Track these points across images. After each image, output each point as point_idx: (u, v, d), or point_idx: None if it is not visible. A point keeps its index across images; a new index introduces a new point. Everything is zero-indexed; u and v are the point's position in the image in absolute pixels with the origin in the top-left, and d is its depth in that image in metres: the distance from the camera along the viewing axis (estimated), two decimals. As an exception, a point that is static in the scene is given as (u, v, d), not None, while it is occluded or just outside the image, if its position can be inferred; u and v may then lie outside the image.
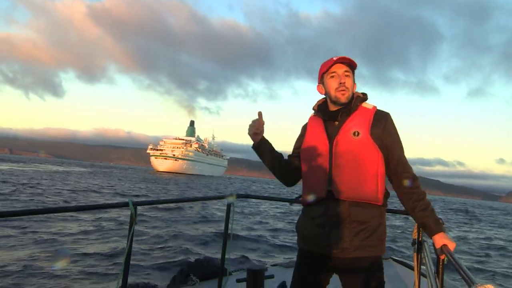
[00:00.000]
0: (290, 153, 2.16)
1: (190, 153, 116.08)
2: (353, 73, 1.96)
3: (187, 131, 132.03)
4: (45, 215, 12.03)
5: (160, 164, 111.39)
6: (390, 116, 1.91)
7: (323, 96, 2.05)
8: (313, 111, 2.08)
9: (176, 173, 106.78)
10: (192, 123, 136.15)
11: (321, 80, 1.99)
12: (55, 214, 11.59)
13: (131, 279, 4.40)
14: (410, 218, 2.01)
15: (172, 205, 17.52)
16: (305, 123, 2.13)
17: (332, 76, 1.91)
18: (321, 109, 2.01)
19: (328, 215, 1.84)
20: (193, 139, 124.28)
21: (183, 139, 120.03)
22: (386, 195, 1.89)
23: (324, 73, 1.95)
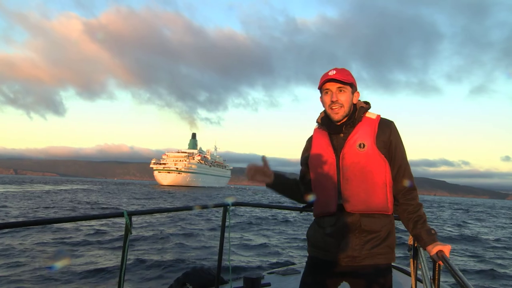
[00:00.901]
0: (302, 172, 2.12)
1: (193, 166, 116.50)
2: (352, 85, 1.93)
3: (189, 144, 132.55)
4: (38, 226, 11.93)
5: (164, 178, 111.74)
6: (394, 125, 1.92)
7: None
8: (316, 124, 2.07)
9: (179, 186, 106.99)
10: (194, 135, 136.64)
11: (320, 93, 2.00)
12: (49, 225, 11.78)
13: None
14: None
15: (166, 214, 17.62)
16: (310, 135, 2.12)
17: (326, 93, 1.93)
18: (324, 122, 2.00)
19: (338, 225, 1.87)
20: (195, 151, 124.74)
21: (186, 152, 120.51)
22: (395, 203, 1.92)
23: (320, 89, 1.96)
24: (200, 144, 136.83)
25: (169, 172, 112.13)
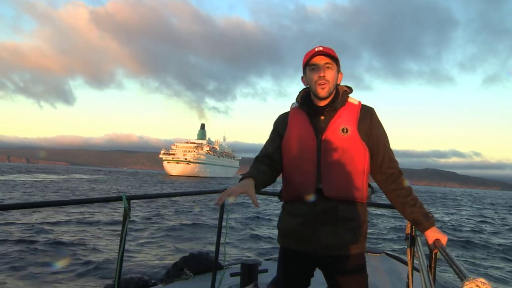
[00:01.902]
0: (266, 147, 1.96)
1: (202, 156, 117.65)
2: (338, 64, 1.85)
3: (198, 134, 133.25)
4: (37, 209, 12.36)
5: (173, 168, 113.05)
6: (375, 112, 1.89)
7: (305, 87, 1.96)
8: (295, 103, 1.96)
9: (188, 176, 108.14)
10: (202, 126, 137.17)
11: (304, 72, 1.91)
12: (48, 208, 11.82)
13: (125, 274, 4.73)
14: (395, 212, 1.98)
15: (166, 199, 17.67)
16: (283, 113, 2.01)
17: (313, 69, 1.83)
18: (305, 102, 1.91)
19: (314, 213, 1.79)
20: (204, 142, 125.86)
21: (195, 143, 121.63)
22: (369, 191, 1.89)
23: (305, 65, 1.86)
24: (209, 134, 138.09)
25: (178, 163, 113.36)
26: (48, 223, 11.61)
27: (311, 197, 1.81)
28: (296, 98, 1.96)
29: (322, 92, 1.82)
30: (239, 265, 3.44)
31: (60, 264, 7.28)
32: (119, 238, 2.52)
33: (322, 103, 1.86)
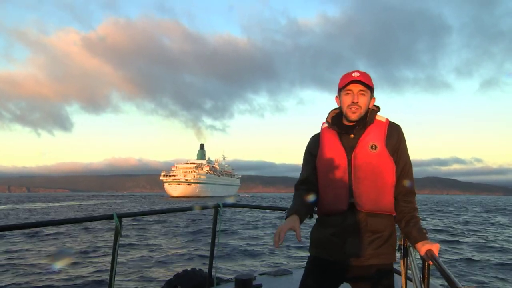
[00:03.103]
0: (304, 171, 2.10)
1: (202, 176, 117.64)
2: (371, 90, 1.98)
3: (197, 155, 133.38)
4: (28, 229, 12.07)
5: (174, 190, 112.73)
6: (401, 129, 1.99)
7: (336, 107, 2.10)
8: (326, 124, 2.08)
9: (189, 197, 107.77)
10: (202, 146, 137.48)
11: (338, 93, 2.03)
12: (39, 228, 11.36)
13: None
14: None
15: (156, 217, 17.49)
16: (314, 134, 2.14)
17: (347, 94, 1.95)
18: (335, 122, 2.04)
19: (345, 224, 1.90)
20: (204, 162, 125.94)
21: (194, 163, 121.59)
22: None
23: (341, 88, 1.98)
24: (208, 153, 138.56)
25: (178, 184, 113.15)
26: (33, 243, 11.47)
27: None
28: (327, 118, 2.08)
29: (353, 116, 1.95)
30: (233, 281, 3.41)
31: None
32: (111, 257, 2.53)
33: (352, 123, 1.98)
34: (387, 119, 2.01)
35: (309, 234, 2.10)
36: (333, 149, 1.98)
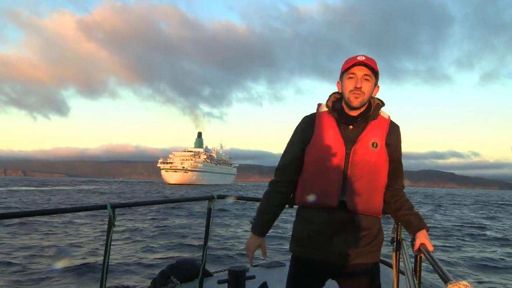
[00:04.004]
0: (285, 170, 1.93)
1: (199, 164, 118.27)
2: (376, 76, 1.83)
3: (195, 143, 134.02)
4: (20, 219, 12.11)
5: (171, 177, 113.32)
6: (400, 129, 1.91)
7: (335, 91, 1.94)
8: (325, 107, 1.90)
9: (186, 184, 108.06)
10: (199, 134, 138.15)
11: (340, 78, 1.88)
12: (31, 217, 11.68)
13: (110, 283, 4.66)
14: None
15: (151, 207, 17.51)
16: (308, 115, 1.94)
17: (351, 77, 1.80)
18: (336, 108, 1.87)
19: (332, 222, 1.79)
20: (201, 150, 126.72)
21: (192, 151, 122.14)
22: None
23: (344, 72, 1.83)
24: (206, 141, 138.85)
25: (175, 171, 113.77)
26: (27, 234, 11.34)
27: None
28: (327, 102, 1.91)
29: (355, 102, 1.79)
30: (226, 272, 3.39)
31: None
32: (104, 247, 2.50)
33: (354, 113, 1.84)
34: (389, 117, 1.89)
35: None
36: (331, 139, 1.82)
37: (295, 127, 1.96)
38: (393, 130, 1.87)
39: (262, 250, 1.96)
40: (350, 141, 1.81)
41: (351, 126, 1.83)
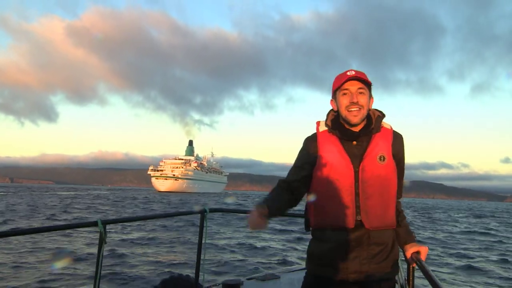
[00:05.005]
0: (293, 175, 1.90)
1: (190, 172, 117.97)
2: (369, 88, 1.81)
3: (186, 151, 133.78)
4: (8, 237, 11.87)
5: (161, 185, 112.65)
6: (403, 138, 1.88)
7: (331, 108, 1.92)
8: (325, 127, 1.87)
9: (176, 192, 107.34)
10: (190, 142, 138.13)
11: (333, 96, 1.87)
12: (20, 236, 11.18)
13: None
14: None
15: (143, 222, 17.26)
16: (310, 136, 1.91)
17: (345, 94, 1.78)
18: (336, 126, 1.84)
19: (347, 239, 1.76)
20: (192, 158, 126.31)
21: (183, 159, 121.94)
22: None
23: (336, 89, 1.82)
24: (197, 149, 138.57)
25: (166, 179, 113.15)
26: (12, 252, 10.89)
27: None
28: (326, 121, 1.89)
29: (355, 119, 1.78)
30: (220, 285, 3.35)
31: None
32: (95, 264, 2.42)
33: (355, 128, 1.81)
34: (391, 127, 1.87)
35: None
36: (337, 158, 1.78)
37: (299, 151, 1.94)
38: (397, 140, 1.85)
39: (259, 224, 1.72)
40: (356, 158, 1.78)
41: (354, 142, 1.80)
